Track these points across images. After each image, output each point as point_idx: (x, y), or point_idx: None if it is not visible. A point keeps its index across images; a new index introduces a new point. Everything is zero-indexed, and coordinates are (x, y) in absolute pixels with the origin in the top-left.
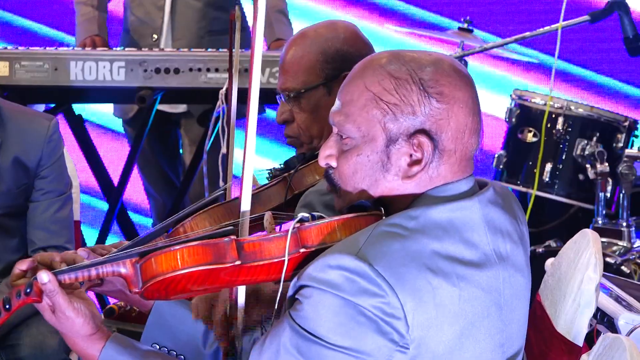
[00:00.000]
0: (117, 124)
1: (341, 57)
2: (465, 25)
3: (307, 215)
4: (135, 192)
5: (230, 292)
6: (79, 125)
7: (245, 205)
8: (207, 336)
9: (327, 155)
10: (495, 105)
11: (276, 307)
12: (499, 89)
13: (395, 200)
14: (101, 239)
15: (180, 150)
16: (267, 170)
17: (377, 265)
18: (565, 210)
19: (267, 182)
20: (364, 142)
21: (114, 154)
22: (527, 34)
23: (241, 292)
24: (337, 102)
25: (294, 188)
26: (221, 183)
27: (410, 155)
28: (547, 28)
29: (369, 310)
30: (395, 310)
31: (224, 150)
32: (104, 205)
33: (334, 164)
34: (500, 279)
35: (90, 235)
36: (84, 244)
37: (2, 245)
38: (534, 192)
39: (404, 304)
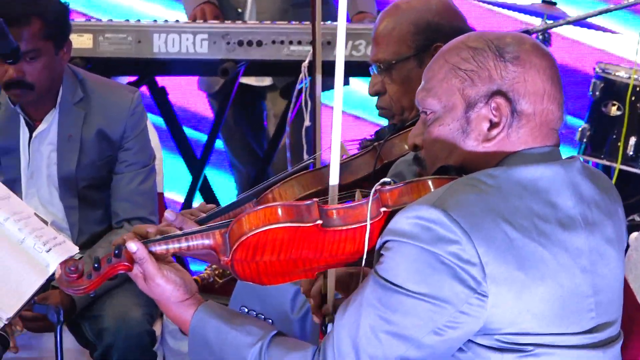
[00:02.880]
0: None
1: (432, 28)
2: None
3: (388, 179)
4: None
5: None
6: (162, 98)
7: (334, 178)
8: (295, 301)
9: (414, 135)
10: (579, 78)
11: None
12: (582, 62)
13: (477, 165)
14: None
15: (265, 123)
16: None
17: (452, 212)
18: None
19: (357, 152)
20: (445, 112)
21: (197, 126)
22: (612, 6)
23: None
24: (422, 82)
25: (383, 158)
26: (305, 155)
27: (490, 120)
28: (632, 0)
29: (445, 257)
30: (470, 256)
31: (307, 122)
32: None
33: (419, 142)
34: (587, 244)
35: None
36: None
37: (86, 216)
38: (618, 165)
39: (479, 251)
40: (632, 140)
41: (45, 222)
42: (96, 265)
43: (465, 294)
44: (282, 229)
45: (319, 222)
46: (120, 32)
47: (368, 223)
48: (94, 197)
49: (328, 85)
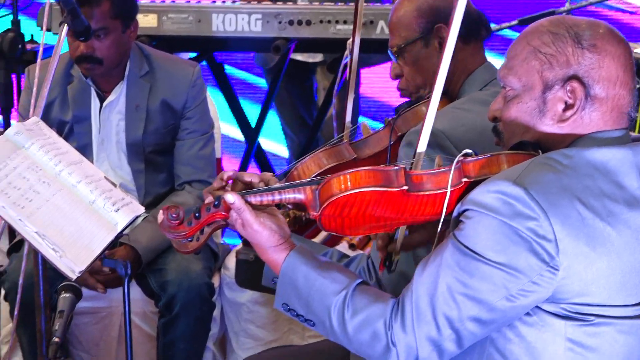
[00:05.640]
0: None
1: (433, 11)
2: None
3: (470, 151)
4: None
5: None
6: (220, 72)
7: (422, 145)
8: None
9: (494, 109)
10: None
11: (439, 230)
12: None
13: (551, 144)
14: None
15: (315, 95)
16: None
17: (532, 190)
18: None
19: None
20: (524, 91)
21: (253, 98)
22: None
23: None
24: (505, 59)
25: (397, 131)
26: (348, 124)
27: (565, 102)
28: None
29: (523, 232)
30: (547, 232)
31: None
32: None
33: (499, 115)
34: None
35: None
36: None
37: (151, 179)
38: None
39: (554, 228)
40: None
41: (114, 185)
42: (197, 214)
43: (539, 267)
44: (370, 192)
45: (405, 187)
46: (182, 12)
47: (448, 190)
48: (159, 161)
49: (370, 61)
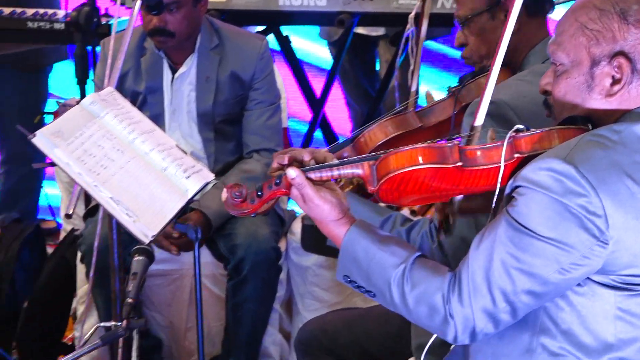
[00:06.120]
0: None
1: None
2: None
3: (522, 126)
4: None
5: None
6: (286, 45)
7: (480, 119)
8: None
9: (545, 83)
10: None
11: (493, 204)
12: None
13: (600, 118)
14: (305, 144)
15: (377, 67)
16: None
17: (582, 168)
18: None
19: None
20: (572, 66)
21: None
22: None
23: None
24: (553, 36)
25: (461, 101)
26: (414, 93)
27: (613, 77)
28: None
29: (574, 208)
30: (597, 209)
31: (412, 66)
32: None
33: (549, 89)
34: None
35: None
36: None
37: (221, 147)
38: None
39: (604, 204)
40: None
41: (185, 153)
42: (259, 192)
43: (589, 242)
44: (426, 169)
45: (459, 163)
46: None
47: (502, 165)
48: (228, 130)
49: (431, 34)
